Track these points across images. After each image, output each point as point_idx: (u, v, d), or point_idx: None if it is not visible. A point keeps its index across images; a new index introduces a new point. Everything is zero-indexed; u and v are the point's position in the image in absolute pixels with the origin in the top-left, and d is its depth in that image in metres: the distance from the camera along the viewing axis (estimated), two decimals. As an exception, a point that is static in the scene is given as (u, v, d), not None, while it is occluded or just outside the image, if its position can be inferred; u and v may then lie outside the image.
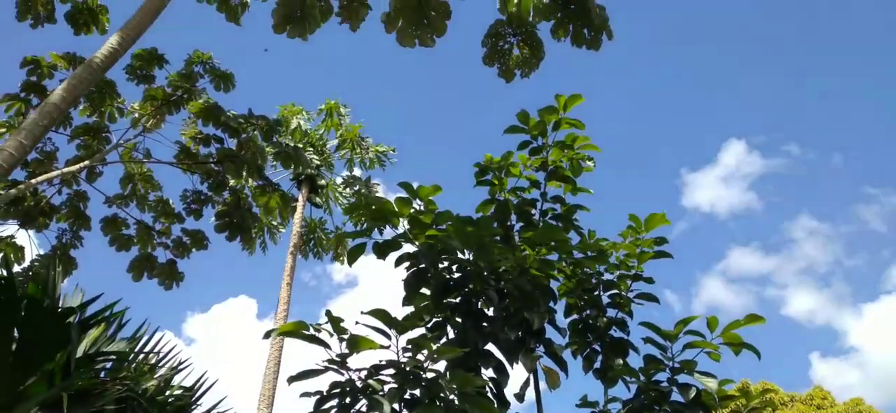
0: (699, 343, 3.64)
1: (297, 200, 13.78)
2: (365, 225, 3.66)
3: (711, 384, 3.50)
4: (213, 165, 7.79)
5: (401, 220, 3.63)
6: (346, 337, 2.92)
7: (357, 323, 2.94)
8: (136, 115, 8.22)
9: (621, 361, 3.91)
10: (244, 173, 7.66)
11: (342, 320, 2.89)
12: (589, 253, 3.97)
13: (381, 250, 3.64)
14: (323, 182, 15.20)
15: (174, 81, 7.90)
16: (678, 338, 3.68)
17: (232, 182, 8.04)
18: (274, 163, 9.58)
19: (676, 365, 3.69)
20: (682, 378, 3.66)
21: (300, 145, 9.17)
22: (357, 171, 15.80)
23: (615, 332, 4.02)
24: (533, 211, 4.19)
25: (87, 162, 7.77)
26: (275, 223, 14.56)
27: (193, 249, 8.95)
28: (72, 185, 8.43)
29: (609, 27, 4.84)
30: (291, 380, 2.92)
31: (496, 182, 4.20)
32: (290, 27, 5.36)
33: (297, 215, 14.09)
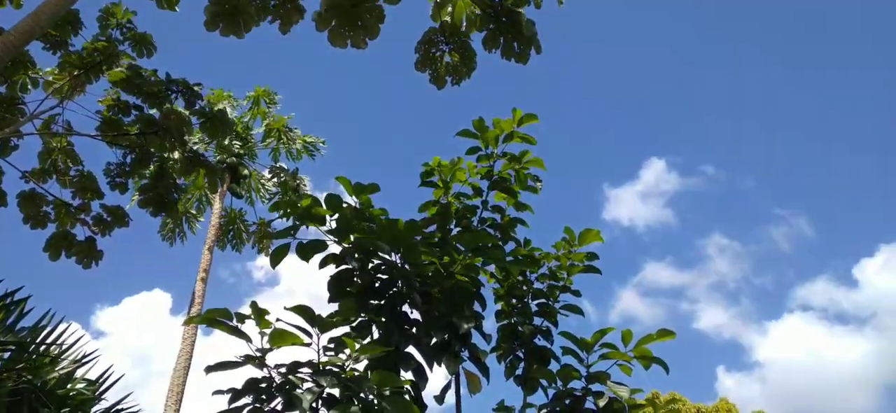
0: (613, 354, 3.79)
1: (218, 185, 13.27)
2: (290, 221, 3.58)
3: (623, 393, 3.66)
4: (136, 136, 7.41)
5: (329, 218, 3.58)
6: (267, 331, 2.86)
7: (278, 319, 2.88)
8: (52, 83, 7.72)
9: (543, 370, 4.00)
10: (168, 144, 7.32)
11: (267, 312, 2.83)
12: (520, 257, 4.06)
13: (306, 251, 3.54)
14: (246, 171, 14.67)
15: (90, 47, 7.45)
16: (594, 349, 3.82)
17: (156, 154, 7.67)
18: (198, 136, 9.18)
19: (591, 374, 3.83)
20: (596, 387, 3.80)
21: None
22: (283, 163, 15.37)
23: (539, 341, 4.11)
24: (473, 218, 4.24)
25: (0, 133, 7.24)
26: (193, 213, 13.98)
27: (115, 226, 8.47)
28: None
29: (538, 41, 4.97)
30: (209, 369, 2.83)
31: (441, 185, 4.25)
32: (223, 25, 5.21)
33: (216, 205, 13.60)
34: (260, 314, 2.81)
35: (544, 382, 3.96)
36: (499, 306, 4.30)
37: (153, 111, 7.32)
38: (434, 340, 3.56)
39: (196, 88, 7.44)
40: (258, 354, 2.92)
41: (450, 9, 4.85)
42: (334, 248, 3.61)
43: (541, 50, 4.88)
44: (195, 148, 8.33)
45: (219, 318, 2.81)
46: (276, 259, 3.59)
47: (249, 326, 2.89)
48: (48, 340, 6.54)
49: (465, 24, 4.98)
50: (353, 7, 4.61)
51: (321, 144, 15.53)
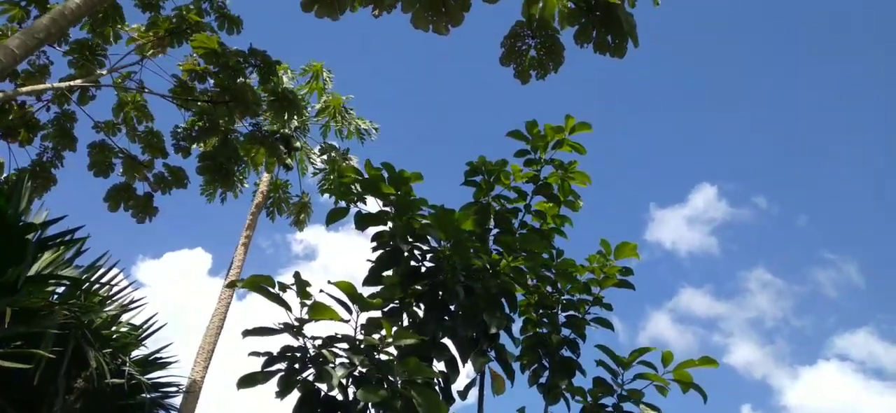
0: (650, 375, 3.72)
1: (285, 155, 13.42)
2: (347, 191, 3.64)
3: (654, 416, 3.60)
4: (207, 103, 7.63)
5: (384, 197, 3.63)
6: (308, 302, 2.91)
7: (321, 291, 2.94)
8: (137, 40, 8.02)
9: (567, 381, 3.96)
10: (236, 117, 7.53)
11: (309, 284, 2.89)
12: (556, 270, 4.02)
13: (363, 222, 3.65)
14: (298, 144, 14.73)
15: (181, 13, 7.71)
16: (631, 366, 3.76)
17: (222, 125, 7.90)
18: (265, 115, 9.40)
19: (624, 393, 3.76)
20: (628, 406, 3.73)
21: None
22: (333, 141, 15.40)
23: (565, 352, 4.07)
24: (513, 220, 4.23)
25: (79, 81, 7.56)
26: (239, 178, 14.19)
27: (174, 186, 8.78)
28: (62, 103, 8.22)
29: (635, 34, 4.85)
30: (246, 333, 2.91)
31: (484, 185, 4.24)
32: (318, 6, 5.26)
33: (265, 177, 13.81)
34: (302, 285, 2.87)
35: (568, 394, 3.91)
36: (523, 318, 4.28)
37: (227, 82, 7.51)
38: (468, 335, 3.57)
39: (274, 65, 7.61)
40: (296, 324, 2.98)
41: (541, 4, 4.78)
42: (384, 227, 3.66)
43: (638, 43, 4.76)
44: (259, 123, 8.54)
45: (262, 285, 2.87)
46: (332, 218, 3.67)
47: (289, 296, 2.95)
48: (100, 282, 6.85)
49: (556, 18, 4.89)
50: None
51: (374, 130, 15.53)
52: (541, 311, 4.22)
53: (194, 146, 8.32)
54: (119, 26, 8.01)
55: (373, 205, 3.71)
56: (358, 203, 3.70)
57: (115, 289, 7.00)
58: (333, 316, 2.99)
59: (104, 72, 7.97)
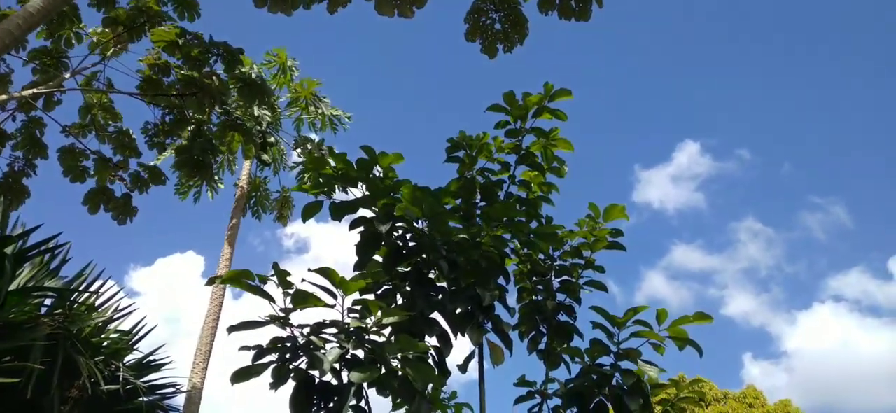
0: (646, 333, 3.70)
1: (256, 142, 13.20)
2: (319, 181, 3.58)
3: (653, 372, 3.61)
4: (175, 97, 7.46)
5: (360, 183, 3.57)
6: (291, 291, 2.85)
7: (303, 280, 2.87)
8: (96, 40, 7.80)
9: (565, 345, 3.95)
10: (206, 107, 7.36)
11: (288, 273, 2.82)
12: (538, 235, 3.98)
13: (338, 211, 3.59)
14: (272, 139, 14.42)
15: (136, 5, 7.49)
16: (626, 325, 3.74)
17: (193, 116, 7.74)
18: (233, 102, 9.19)
19: (621, 351, 3.75)
20: (625, 364, 3.72)
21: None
22: (306, 134, 15.08)
23: (562, 317, 4.05)
24: (499, 192, 4.18)
25: (43, 88, 7.36)
26: (216, 179, 13.94)
27: (151, 184, 8.62)
28: (28, 110, 8.02)
29: None
30: (231, 329, 2.85)
31: (466, 160, 4.18)
32: (271, 2, 5.14)
33: (244, 169, 13.65)
34: (282, 275, 2.81)
35: (567, 358, 3.90)
36: (518, 287, 4.25)
37: (192, 73, 7.34)
38: (458, 310, 3.54)
39: (236, 53, 7.44)
40: (281, 314, 2.92)
41: None
42: (364, 212, 3.60)
43: (602, 3, 4.67)
44: (230, 110, 8.37)
45: (241, 279, 2.81)
46: (307, 214, 3.61)
47: (272, 288, 2.89)
48: (90, 290, 6.76)
49: None
50: None
51: (347, 118, 15.22)
52: (534, 278, 4.20)
53: (168, 141, 8.15)
54: (77, 27, 7.78)
55: (351, 193, 3.65)
56: (332, 193, 3.63)
57: (104, 297, 6.90)
58: (318, 303, 2.93)
59: (68, 75, 7.77)
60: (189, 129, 7.89)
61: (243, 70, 7.46)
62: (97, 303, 6.83)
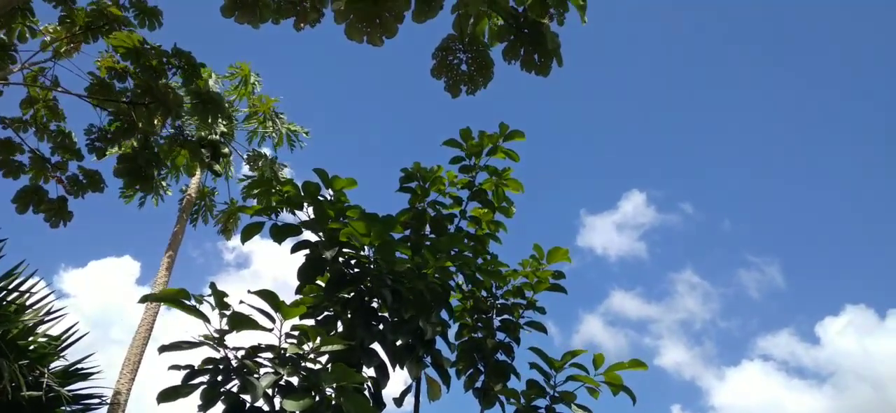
0: (582, 377, 3.76)
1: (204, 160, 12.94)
2: (265, 202, 3.54)
3: (586, 417, 3.64)
4: (125, 104, 7.27)
5: (306, 206, 3.55)
6: (227, 313, 2.80)
7: (241, 302, 2.83)
8: (49, 38, 7.58)
9: (502, 384, 3.97)
10: (156, 120, 7.19)
11: (226, 294, 2.78)
12: (484, 272, 4.04)
13: (279, 234, 3.55)
14: (226, 150, 14.20)
15: (98, 9, 7.31)
16: (563, 368, 3.79)
17: (141, 127, 7.54)
18: (187, 118, 8.99)
19: (557, 394, 3.79)
20: (560, 408, 3.77)
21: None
22: (265, 150, 14.92)
23: (500, 356, 4.09)
24: (449, 226, 4.23)
25: (-14, 78, 7.09)
26: (163, 184, 13.57)
27: (89, 190, 8.32)
28: None
29: (560, 54, 4.92)
30: (162, 349, 2.77)
31: (419, 191, 4.23)
32: (239, 13, 5.12)
33: (194, 180, 13.33)
34: (219, 296, 2.76)
35: (503, 398, 3.93)
36: (458, 325, 4.29)
37: (148, 83, 7.18)
38: (399, 343, 3.52)
39: (198, 67, 7.33)
40: (216, 336, 2.86)
41: (472, 20, 4.79)
42: (308, 236, 3.58)
43: (562, 62, 4.84)
44: (180, 126, 8.22)
45: (177, 298, 2.75)
46: (247, 235, 3.56)
47: (208, 308, 2.84)
48: (16, 291, 6.47)
49: (487, 34, 4.93)
50: (374, 3, 4.55)
51: (304, 134, 15.11)
52: (476, 315, 4.23)
53: (110, 147, 7.91)
54: (30, 21, 7.55)
55: (297, 214, 3.62)
56: (278, 213, 3.60)
57: (34, 298, 6.62)
58: (254, 326, 2.88)
59: (15, 69, 7.50)
60: (134, 139, 7.70)
61: (201, 84, 7.33)
62: (26, 304, 6.55)
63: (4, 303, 6.32)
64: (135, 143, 7.71)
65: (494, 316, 4.21)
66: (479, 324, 4.18)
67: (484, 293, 4.20)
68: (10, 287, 6.47)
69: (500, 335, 4.16)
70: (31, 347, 6.25)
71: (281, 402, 2.88)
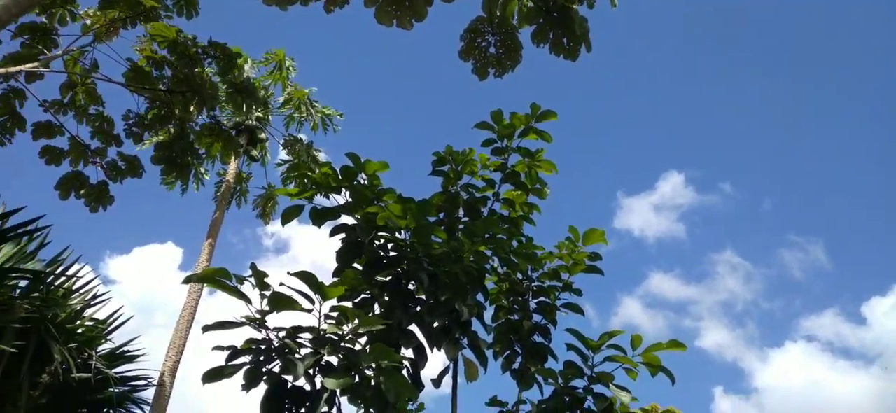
0: (620, 358, 3.73)
1: (240, 148, 13.18)
2: (303, 186, 3.58)
3: (625, 397, 3.62)
4: (163, 91, 7.40)
5: (343, 190, 3.58)
6: (268, 294, 2.85)
7: (281, 283, 2.87)
8: (90, 22, 7.72)
9: (539, 366, 3.97)
10: (192, 108, 7.30)
11: (266, 275, 2.82)
12: (519, 256, 4.02)
13: (319, 217, 3.59)
14: (263, 136, 14.40)
15: (136, -3, 7.43)
16: (600, 349, 3.77)
17: (178, 115, 7.67)
18: (224, 106, 9.12)
19: (594, 375, 3.77)
20: (598, 388, 3.75)
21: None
22: (296, 133, 15.06)
23: (537, 338, 4.07)
24: (482, 208, 4.21)
25: (30, 66, 7.27)
26: (202, 171, 13.85)
27: (128, 175, 8.50)
28: (8, 79, 7.90)
29: (588, 39, 4.86)
30: (206, 328, 2.84)
31: (452, 174, 4.22)
32: None
33: (232, 165, 13.54)
34: (259, 277, 2.81)
35: (540, 379, 3.92)
36: (495, 307, 4.28)
37: (186, 71, 7.28)
38: (436, 324, 3.54)
39: (234, 57, 7.41)
40: (257, 316, 2.91)
41: (501, 1, 4.75)
42: (345, 219, 3.60)
43: (591, 48, 4.79)
44: (216, 115, 8.34)
45: (218, 278, 2.80)
46: (287, 218, 3.62)
47: (249, 289, 2.88)
48: (64, 276, 6.68)
49: (516, 16, 4.88)
50: None
51: (338, 118, 15.28)
52: (512, 298, 4.22)
53: (146, 135, 8.06)
54: (71, 6, 7.69)
55: (334, 198, 3.65)
56: (314, 197, 3.64)
57: (80, 282, 6.83)
58: (295, 306, 2.92)
59: (58, 53, 7.68)
60: (171, 126, 7.83)
61: (236, 73, 7.41)
62: (73, 288, 6.77)
63: (52, 287, 6.53)
64: (172, 130, 7.85)
65: (530, 298, 4.19)
66: (516, 306, 4.18)
67: (519, 276, 4.18)
68: (57, 272, 6.68)
69: (537, 317, 4.15)
70: (79, 331, 6.46)
71: (321, 381, 2.93)
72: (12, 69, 7.04)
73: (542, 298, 4.19)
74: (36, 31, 7.66)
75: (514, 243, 4.11)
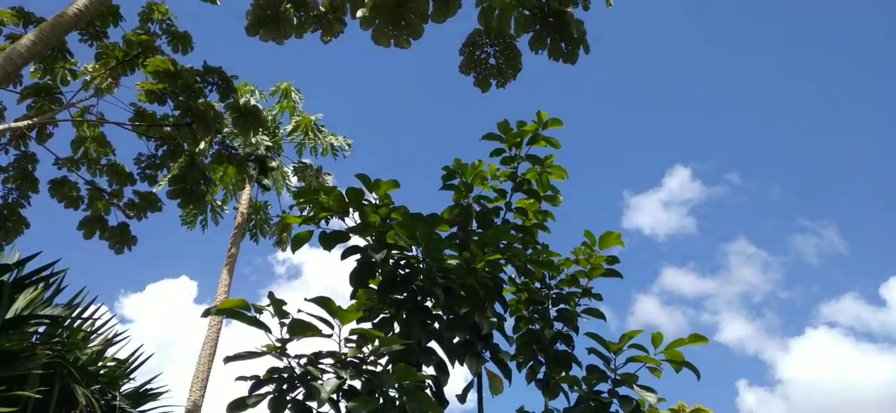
0: (642, 357, 3.69)
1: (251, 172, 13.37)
2: (313, 212, 3.59)
3: (651, 398, 3.57)
4: (168, 129, 7.49)
5: (352, 212, 3.59)
6: (287, 321, 2.85)
7: (299, 310, 2.87)
8: (90, 77, 7.86)
9: (563, 374, 3.93)
10: (199, 137, 7.38)
11: (284, 303, 2.83)
12: (535, 263, 4.00)
13: (328, 241, 3.60)
14: (274, 164, 14.63)
15: (130, 40, 7.55)
16: (622, 351, 3.73)
17: (187, 148, 7.77)
18: (230, 133, 9.22)
19: (618, 377, 3.74)
20: (623, 390, 3.71)
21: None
22: (307, 160, 15.36)
23: (560, 346, 4.04)
24: (495, 219, 4.21)
25: (36, 119, 7.39)
26: (218, 203, 14.07)
27: (148, 210, 8.58)
28: (20, 145, 8.06)
29: (586, 41, 4.89)
30: (228, 360, 2.84)
31: (462, 187, 4.22)
32: (263, 31, 5.25)
33: (245, 196, 13.70)
34: (278, 305, 2.81)
35: (566, 387, 3.89)
36: (514, 318, 4.26)
37: (188, 102, 7.38)
38: (456, 339, 3.53)
39: (231, 81, 7.50)
40: (278, 345, 2.92)
41: (497, 12, 4.78)
42: (356, 241, 3.61)
43: (589, 49, 4.82)
44: (225, 143, 8.43)
45: (237, 309, 2.81)
46: (296, 244, 3.63)
47: (267, 318, 2.89)
48: (83, 316, 6.73)
49: (512, 25, 4.91)
50: (397, 5, 4.59)
51: (347, 146, 15.58)
52: (531, 307, 4.20)
53: (161, 175, 8.16)
54: (69, 63, 7.84)
55: (345, 220, 3.67)
56: (325, 221, 3.66)
57: (98, 323, 6.87)
58: (315, 332, 2.92)
59: (62, 109, 7.80)
60: (183, 158, 7.92)
61: (237, 98, 7.49)
62: (92, 330, 6.80)
63: (71, 330, 6.57)
64: (182, 163, 7.94)
65: (550, 306, 4.17)
66: (536, 315, 4.15)
67: (538, 284, 4.16)
68: (75, 315, 6.73)
69: (558, 325, 4.11)
70: (102, 372, 6.49)
71: (346, 407, 2.92)
72: (21, 124, 7.15)
73: (562, 306, 4.16)
74: (40, 92, 7.81)
75: (530, 251, 4.09)
